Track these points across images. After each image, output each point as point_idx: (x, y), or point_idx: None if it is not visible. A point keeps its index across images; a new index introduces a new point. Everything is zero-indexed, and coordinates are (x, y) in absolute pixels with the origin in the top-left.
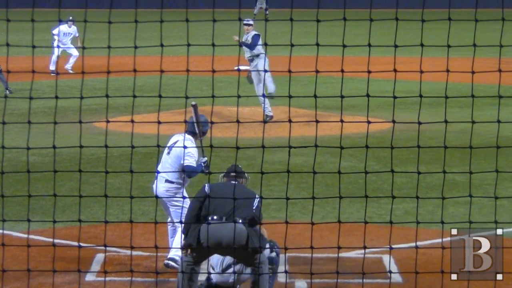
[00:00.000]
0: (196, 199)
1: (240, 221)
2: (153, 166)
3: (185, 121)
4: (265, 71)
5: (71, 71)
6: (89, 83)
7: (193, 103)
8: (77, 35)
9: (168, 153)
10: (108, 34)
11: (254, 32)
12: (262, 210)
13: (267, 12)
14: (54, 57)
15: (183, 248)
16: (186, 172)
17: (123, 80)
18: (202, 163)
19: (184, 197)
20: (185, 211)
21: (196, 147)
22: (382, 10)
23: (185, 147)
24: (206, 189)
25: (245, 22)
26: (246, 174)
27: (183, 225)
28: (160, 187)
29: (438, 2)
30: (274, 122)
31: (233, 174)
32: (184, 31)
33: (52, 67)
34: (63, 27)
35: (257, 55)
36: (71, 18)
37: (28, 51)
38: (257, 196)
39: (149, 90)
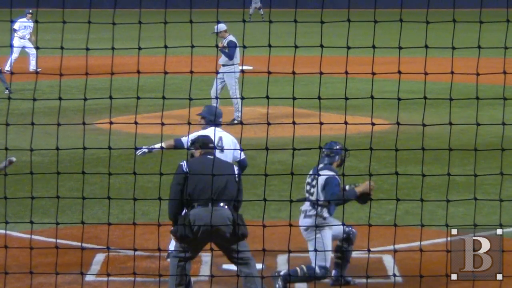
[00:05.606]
0: (177, 184)
1: (226, 206)
2: (154, 166)
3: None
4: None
5: (39, 70)
6: (88, 83)
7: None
8: (31, 30)
9: (222, 151)
10: (106, 34)
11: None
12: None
13: (262, 12)
14: (14, 56)
15: (178, 239)
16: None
17: (123, 80)
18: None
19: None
20: None
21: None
22: (381, 10)
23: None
24: (184, 170)
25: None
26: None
27: (169, 210)
28: None
29: (439, 2)
30: (275, 122)
31: (211, 145)
32: (183, 31)
33: (8, 67)
34: (22, 20)
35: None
36: (30, 11)
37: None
38: (236, 172)
39: (149, 90)
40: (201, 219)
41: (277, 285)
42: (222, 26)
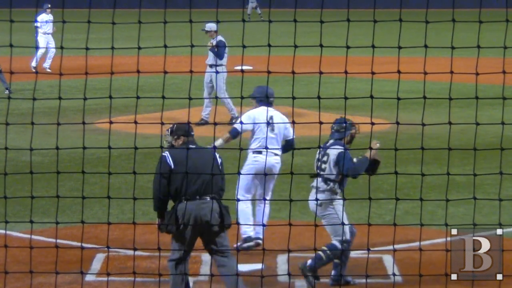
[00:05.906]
0: (162, 177)
1: (213, 199)
2: (153, 166)
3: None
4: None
5: (49, 70)
6: (88, 83)
7: None
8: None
9: (272, 130)
10: (106, 34)
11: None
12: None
13: (260, 11)
14: (41, 52)
15: (167, 232)
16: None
17: (123, 80)
18: None
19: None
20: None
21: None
22: (381, 10)
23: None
24: (169, 162)
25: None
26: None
27: (154, 203)
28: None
29: (439, 2)
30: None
31: (192, 133)
32: (183, 31)
33: (34, 64)
34: (43, 16)
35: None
36: (49, 5)
37: (30, 51)
38: (219, 161)
39: (149, 90)
40: (189, 214)
41: (308, 282)
42: (213, 26)
